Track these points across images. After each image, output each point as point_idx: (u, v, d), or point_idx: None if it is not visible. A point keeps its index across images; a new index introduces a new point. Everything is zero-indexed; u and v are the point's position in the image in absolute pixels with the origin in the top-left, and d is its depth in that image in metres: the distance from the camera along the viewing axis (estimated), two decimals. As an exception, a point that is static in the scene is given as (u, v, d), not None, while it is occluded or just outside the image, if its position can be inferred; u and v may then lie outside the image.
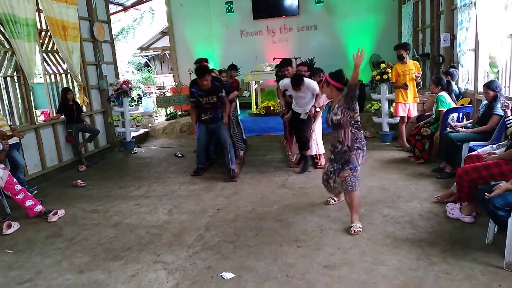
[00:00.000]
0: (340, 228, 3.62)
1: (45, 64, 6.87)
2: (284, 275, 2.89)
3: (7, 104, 5.90)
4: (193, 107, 5.45)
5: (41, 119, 8.49)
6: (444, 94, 5.38)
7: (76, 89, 7.30)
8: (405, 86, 6.09)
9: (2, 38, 5.71)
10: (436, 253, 3.05)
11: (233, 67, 7.60)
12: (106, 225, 4.09)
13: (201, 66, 5.22)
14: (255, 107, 9.45)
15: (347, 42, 10.44)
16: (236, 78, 7.73)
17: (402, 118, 6.37)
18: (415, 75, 6.07)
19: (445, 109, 5.20)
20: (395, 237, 3.36)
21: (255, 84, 9.47)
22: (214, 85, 5.25)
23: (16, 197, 4.28)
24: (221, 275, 2.93)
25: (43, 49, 6.76)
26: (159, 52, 18.58)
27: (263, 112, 8.95)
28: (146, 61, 20.71)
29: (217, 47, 11.20)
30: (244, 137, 7.27)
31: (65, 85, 7.16)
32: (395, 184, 4.71)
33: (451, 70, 6.17)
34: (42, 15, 6.52)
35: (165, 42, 15.54)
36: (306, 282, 2.78)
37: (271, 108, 8.83)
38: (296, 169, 5.65)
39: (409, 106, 6.24)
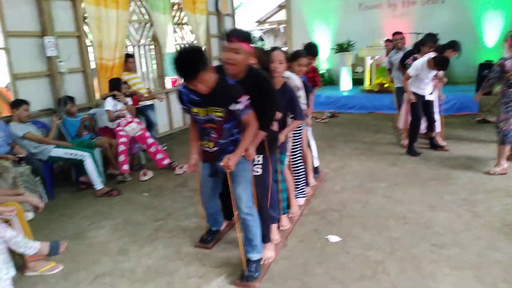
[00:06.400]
0: (452, 210, 3.50)
1: (175, 35, 7.58)
2: (389, 246, 2.95)
3: (145, 70, 6.73)
4: (193, 122, 2.70)
5: (168, 85, 9.43)
6: None
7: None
8: None
9: (144, 11, 6.46)
10: None
11: (310, 50, 4.11)
12: (223, 183, 4.52)
13: (183, 55, 2.25)
14: (368, 83, 9.22)
15: (478, 18, 9.43)
16: (314, 66, 4.59)
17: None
18: None
19: None
20: (515, 226, 3.16)
21: (371, 59, 9.20)
22: (223, 87, 2.41)
23: (149, 149, 4.97)
24: (327, 238, 3.11)
25: (175, 21, 7.45)
26: (275, 26, 18.89)
27: (376, 89, 8.70)
28: (260, 35, 21.23)
29: (333, 21, 11.00)
30: (316, 165, 4.42)
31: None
32: (522, 174, 4.32)
33: None
34: (175, -11, 7.16)
35: (281, 15, 15.73)
36: (411, 256, 2.81)
37: (385, 85, 8.53)
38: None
39: None
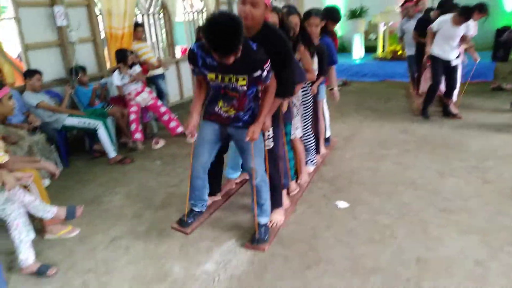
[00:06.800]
0: (462, 177, 3.50)
1: (184, 3, 7.46)
2: (398, 211, 2.98)
3: (155, 40, 6.69)
4: (199, 81, 2.54)
5: (178, 55, 9.38)
6: None
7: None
8: None
9: (152, -22, 6.37)
10: None
11: (330, 14, 3.87)
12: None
13: (223, 27, 1.96)
14: (381, 50, 9.04)
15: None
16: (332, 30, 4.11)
17: None
18: None
19: None
20: (525, 192, 3.16)
21: (384, 25, 8.98)
22: (247, 54, 2.18)
23: (162, 118, 5.01)
24: (336, 204, 3.15)
25: (184, -12, 7.34)
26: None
27: (389, 56, 8.54)
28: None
29: (346, -14, 10.70)
30: (328, 135, 4.39)
31: (200, 24, 7.73)
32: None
33: None
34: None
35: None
36: (419, 220, 2.84)
37: (399, 53, 8.36)
38: (420, 117, 5.41)
39: None
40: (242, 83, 2.28)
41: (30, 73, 4.20)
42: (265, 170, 2.64)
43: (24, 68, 4.57)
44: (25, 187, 2.64)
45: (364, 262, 2.42)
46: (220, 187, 3.26)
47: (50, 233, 2.88)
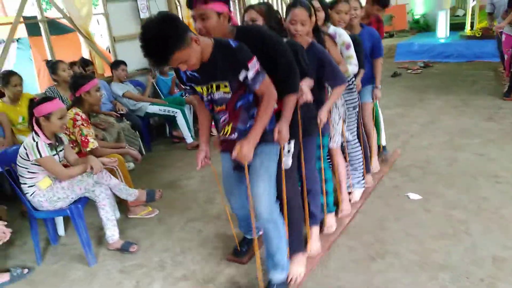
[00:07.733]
0: (555, 170, 3.18)
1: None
2: (475, 206, 2.81)
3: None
4: (198, 103, 2.18)
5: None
6: None
7: None
8: None
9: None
10: None
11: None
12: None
13: (149, 34, 1.61)
14: (469, 28, 8.32)
15: None
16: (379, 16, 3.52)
17: None
18: None
19: None
20: None
21: (473, 0, 8.23)
22: (222, 53, 1.80)
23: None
24: (407, 195, 3.05)
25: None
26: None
27: (478, 34, 7.83)
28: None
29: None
30: (383, 143, 3.71)
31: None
32: None
33: None
34: None
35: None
36: (499, 216, 2.65)
37: (490, 30, 7.62)
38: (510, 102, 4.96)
39: None
40: (225, 90, 1.88)
41: (116, 64, 4.59)
42: (276, 204, 2.04)
43: (112, 59, 4.99)
44: (111, 171, 2.94)
45: (433, 258, 2.34)
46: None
47: (133, 213, 3.18)
